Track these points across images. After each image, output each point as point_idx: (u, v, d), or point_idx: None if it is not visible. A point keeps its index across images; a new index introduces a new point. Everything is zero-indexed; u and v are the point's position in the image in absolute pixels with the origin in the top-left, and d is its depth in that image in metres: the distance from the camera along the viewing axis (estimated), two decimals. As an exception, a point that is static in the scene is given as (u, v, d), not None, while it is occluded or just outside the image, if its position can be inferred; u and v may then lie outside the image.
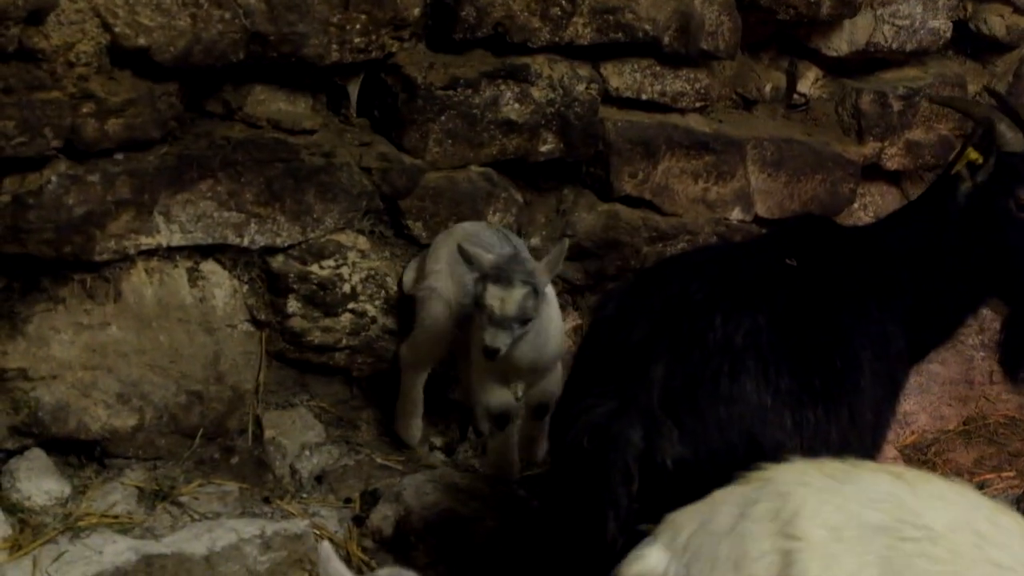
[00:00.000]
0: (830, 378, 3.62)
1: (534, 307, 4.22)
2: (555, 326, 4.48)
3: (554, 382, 4.53)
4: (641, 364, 3.53)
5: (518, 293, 4.17)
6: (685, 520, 2.88)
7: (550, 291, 4.40)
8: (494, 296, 4.17)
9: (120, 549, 3.94)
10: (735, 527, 2.78)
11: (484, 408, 4.56)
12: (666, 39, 5.15)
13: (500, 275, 4.19)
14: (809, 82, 5.89)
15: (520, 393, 4.69)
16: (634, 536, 3.03)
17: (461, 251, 4.25)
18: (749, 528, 2.76)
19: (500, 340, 4.19)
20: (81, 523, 4.08)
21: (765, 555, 2.71)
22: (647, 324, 3.64)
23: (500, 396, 4.52)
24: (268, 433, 4.61)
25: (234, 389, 4.56)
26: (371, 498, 4.50)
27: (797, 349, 3.60)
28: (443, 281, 4.61)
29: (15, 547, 3.93)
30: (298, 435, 4.67)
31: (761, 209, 5.56)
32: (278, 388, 4.71)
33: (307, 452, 4.65)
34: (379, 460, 4.67)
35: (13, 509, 4.07)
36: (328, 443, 4.71)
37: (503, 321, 4.18)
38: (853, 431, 3.64)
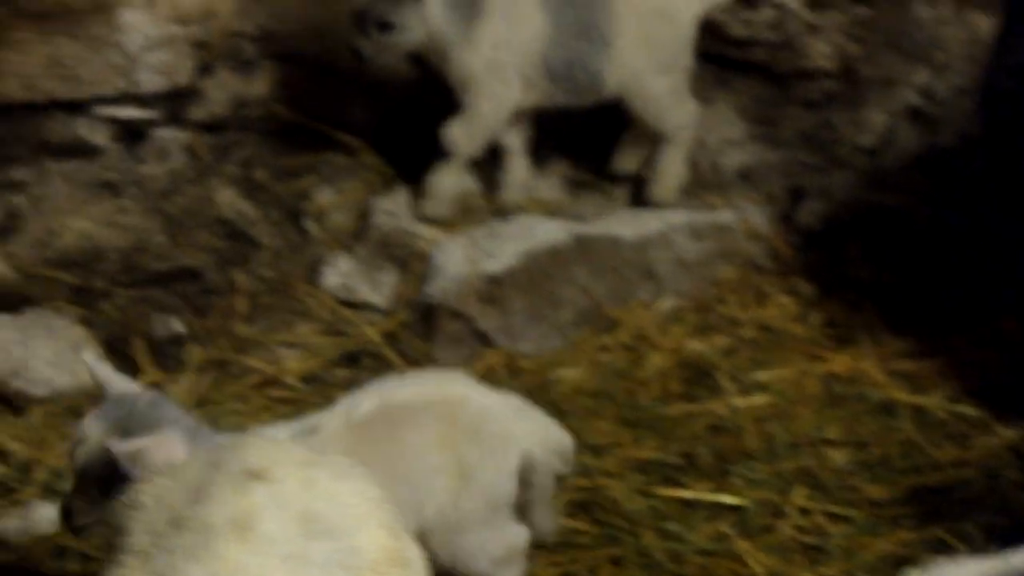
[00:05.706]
0: None
1: None
2: None
3: None
4: None
5: None
6: None
7: None
8: None
9: (551, 228, 3.99)
10: None
11: None
12: None
13: None
14: None
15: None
16: None
17: None
18: None
19: None
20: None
21: None
22: None
23: None
24: (690, 129, 4.49)
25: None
26: (797, 195, 4.35)
27: None
28: None
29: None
30: (720, 131, 4.53)
31: None
32: (697, 83, 4.55)
33: (729, 148, 4.51)
34: (802, 158, 4.48)
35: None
36: (750, 141, 4.56)
37: None
38: None
